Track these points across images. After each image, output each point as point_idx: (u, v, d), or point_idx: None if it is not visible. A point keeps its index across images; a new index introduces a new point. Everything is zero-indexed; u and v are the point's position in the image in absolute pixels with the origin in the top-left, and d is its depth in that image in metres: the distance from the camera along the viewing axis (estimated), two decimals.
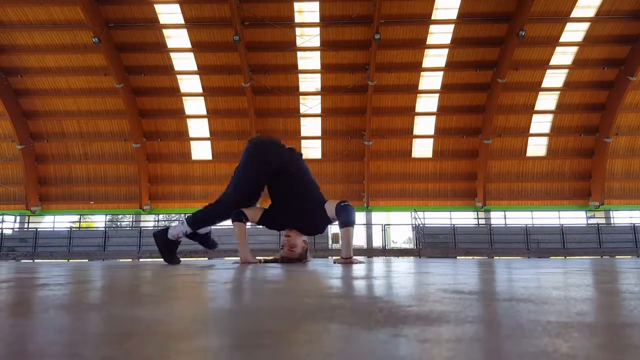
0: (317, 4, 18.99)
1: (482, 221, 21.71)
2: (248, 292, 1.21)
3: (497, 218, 21.64)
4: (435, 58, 20.39)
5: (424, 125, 22.01)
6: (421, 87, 21.08)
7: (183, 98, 21.54)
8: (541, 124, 21.81)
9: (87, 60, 20.22)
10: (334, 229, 19.89)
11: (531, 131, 21.84)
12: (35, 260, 16.40)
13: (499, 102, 20.79)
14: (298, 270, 2.39)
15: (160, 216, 25.68)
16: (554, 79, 20.75)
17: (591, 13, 18.94)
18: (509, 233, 18.03)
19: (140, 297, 1.08)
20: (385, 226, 20.17)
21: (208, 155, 22.62)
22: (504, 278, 1.75)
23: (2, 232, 18.70)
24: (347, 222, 3.57)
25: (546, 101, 21.32)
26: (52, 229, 20.94)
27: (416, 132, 22.06)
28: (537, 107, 21.40)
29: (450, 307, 0.80)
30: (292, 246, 3.68)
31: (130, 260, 15.55)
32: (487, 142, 21.36)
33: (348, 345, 0.50)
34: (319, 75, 20.97)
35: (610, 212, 22.26)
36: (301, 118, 21.92)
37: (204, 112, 21.81)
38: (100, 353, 0.47)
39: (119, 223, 34.01)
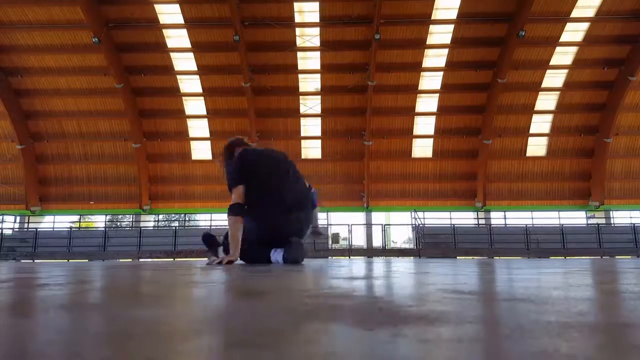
0: (317, 4, 19.00)
1: (482, 221, 21.71)
2: (248, 292, 1.21)
3: (497, 218, 21.65)
4: (435, 58, 20.40)
5: (424, 125, 22.02)
6: (421, 87, 21.09)
7: (183, 98, 21.55)
8: (541, 124, 21.82)
9: (87, 60, 20.23)
10: (334, 229, 19.90)
11: (531, 131, 21.85)
12: (35, 260, 16.40)
13: (499, 102, 20.80)
14: (297, 270, 2.39)
15: (160, 216, 25.69)
16: (554, 79, 20.75)
17: (591, 13, 18.94)
18: (509, 233, 18.03)
19: (140, 297, 1.08)
20: (385, 226, 20.17)
21: (208, 155, 22.62)
22: (504, 278, 1.75)
23: (2, 232, 18.70)
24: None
25: (546, 101, 21.33)
26: (52, 229, 20.95)
27: (416, 132, 22.07)
28: (537, 107, 21.41)
29: (451, 307, 0.80)
30: None
31: (130, 260, 15.55)
32: (487, 142, 21.36)
33: (348, 345, 0.51)
34: (319, 75, 20.98)
35: (610, 212, 22.28)
36: (301, 118, 21.93)
37: (204, 112, 21.82)
38: (100, 353, 0.47)
39: (119, 223, 34.01)
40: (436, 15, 19.24)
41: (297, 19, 19.52)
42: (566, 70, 20.50)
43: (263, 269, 2.66)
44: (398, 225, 23.43)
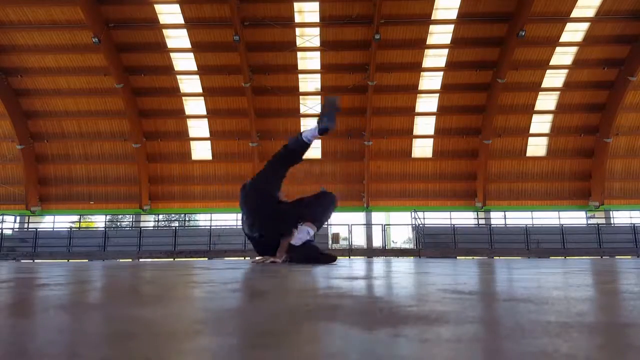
0: (317, 4, 18.99)
1: (482, 221, 21.70)
2: (248, 292, 1.21)
3: (497, 218, 21.63)
4: (435, 58, 20.39)
5: (424, 125, 22.01)
6: (421, 87, 21.08)
7: (183, 98, 21.53)
8: (541, 124, 21.81)
9: (87, 60, 20.22)
10: (334, 229, 19.93)
11: (531, 131, 21.84)
12: (35, 260, 16.40)
13: (499, 102, 20.79)
14: (298, 270, 2.39)
15: (160, 216, 25.68)
16: (554, 79, 20.74)
17: (591, 13, 18.93)
18: (509, 233, 18.01)
19: (140, 297, 1.08)
20: (385, 226, 20.16)
21: (208, 156, 22.62)
22: (504, 278, 1.75)
23: (2, 232, 18.69)
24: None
25: (546, 101, 21.32)
26: (52, 229, 20.93)
27: (416, 132, 22.06)
28: (537, 107, 21.40)
29: (451, 307, 0.80)
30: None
31: (130, 260, 15.55)
32: (487, 142, 21.35)
33: (348, 345, 0.51)
34: (319, 76, 20.96)
35: (610, 212, 22.26)
36: (301, 118, 21.92)
37: (204, 112, 21.81)
38: (100, 353, 0.47)
39: (119, 223, 34.00)
40: (436, 15, 19.23)
41: (297, 19, 19.51)
42: (566, 71, 20.48)
43: (265, 268, 2.66)
44: (398, 225, 23.41)
